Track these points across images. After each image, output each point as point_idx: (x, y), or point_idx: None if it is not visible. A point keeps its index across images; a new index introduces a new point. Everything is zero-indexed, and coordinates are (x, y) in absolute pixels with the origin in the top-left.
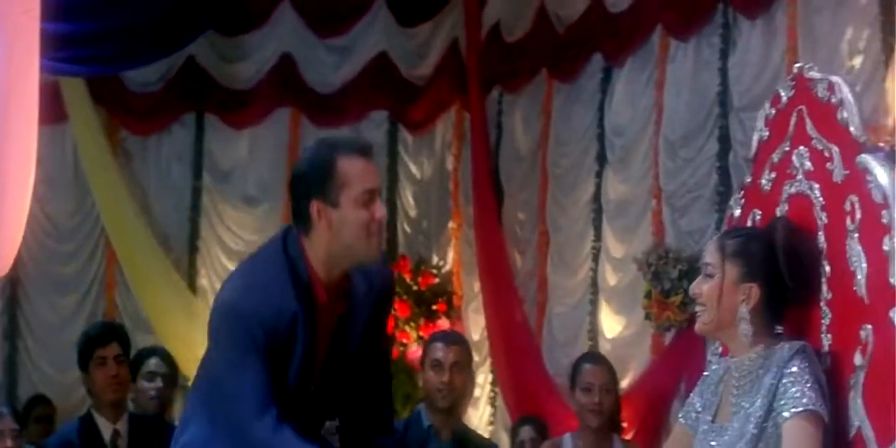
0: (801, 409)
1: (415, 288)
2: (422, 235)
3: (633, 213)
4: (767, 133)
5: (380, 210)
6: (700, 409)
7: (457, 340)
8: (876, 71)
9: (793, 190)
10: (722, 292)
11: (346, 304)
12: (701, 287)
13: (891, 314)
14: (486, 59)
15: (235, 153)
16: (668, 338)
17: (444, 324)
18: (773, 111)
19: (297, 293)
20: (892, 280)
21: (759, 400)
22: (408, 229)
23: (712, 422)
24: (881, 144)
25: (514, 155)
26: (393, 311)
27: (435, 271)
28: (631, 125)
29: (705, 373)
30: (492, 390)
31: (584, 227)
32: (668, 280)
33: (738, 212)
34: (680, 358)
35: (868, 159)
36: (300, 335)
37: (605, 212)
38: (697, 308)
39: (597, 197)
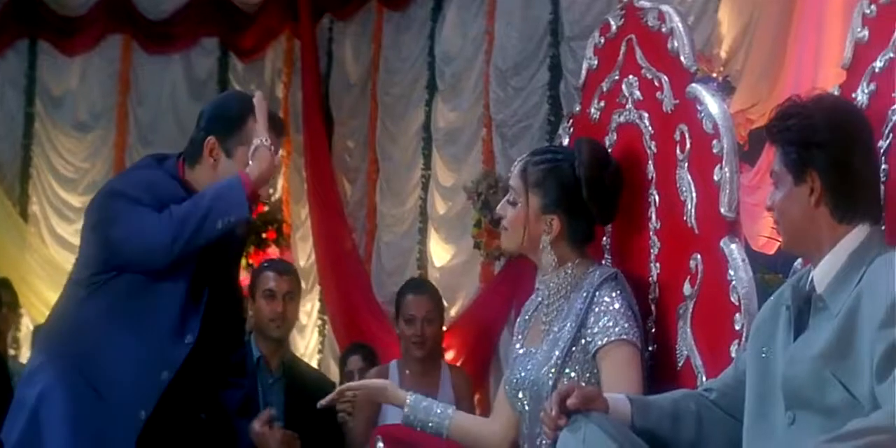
0: (614, 338)
1: None
2: None
3: (463, 142)
4: (596, 62)
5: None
6: (520, 329)
7: (288, 270)
8: (708, 2)
9: (622, 119)
10: (527, 221)
11: None
12: (506, 211)
13: (721, 244)
14: None
15: (68, 80)
16: (498, 266)
17: (273, 252)
18: (603, 40)
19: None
20: (722, 210)
21: (568, 324)
22: None
23: (521, 348)
24: (714, 75)
25: (345, 83)
26: None
27: (264, 200)
28: (461, 54)
29: (529, 301)
30: (320, 318)
31: (414, 156)
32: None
33: (566, 141)
34: (509, 287)
35: (698, 89)
36: None
37: (435, 140)
38: (502, 229)
39: (427, 126)
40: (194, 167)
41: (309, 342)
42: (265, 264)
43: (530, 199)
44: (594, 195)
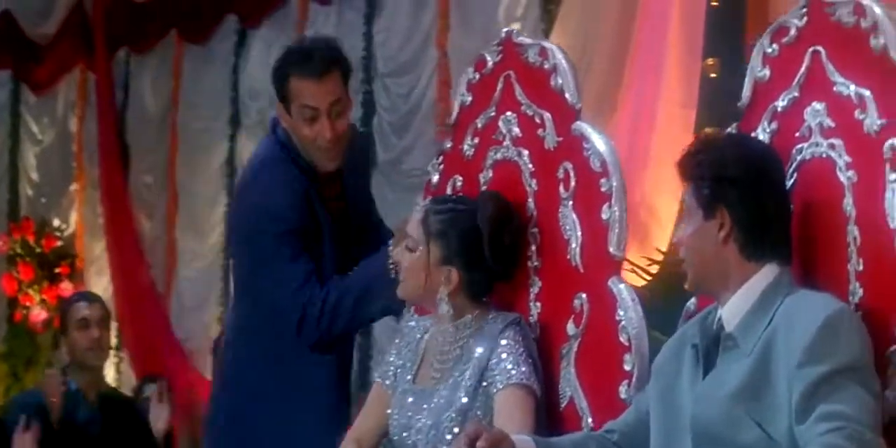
0: (513, 381)
1: (38, 250)
2: (44, 197)
3: None
4: (470, 98)
5: (325, 129)
6: (399, 367)
7: (98, 298)
8: (536, 32)
9: (499, 156)
10: (427, 270)
11: (340, 172)
12: (403, 258)
13: (609, 283)
14: (113, 19)
15: None
16: None
17: (66, 286)
18: (477, 76)
19: (300, 170)
20: (611, 249)
21: (470, 370)
22: (30, 191)
23: (413, 382)
24: None
25: (143, 117)
26: (16, 275)
27: (58, 234)
28: (268, 89)
29: (404, 329)
30: (116, 355)
31: (217, 192)
32: None
33: (436, 178)
34: None
35: (584, 126)
36: (318, 207)
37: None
38: (400, 276)
39: (230, 161)
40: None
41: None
42: (73, 297)
43: (431, 249)
44: (495, 252)
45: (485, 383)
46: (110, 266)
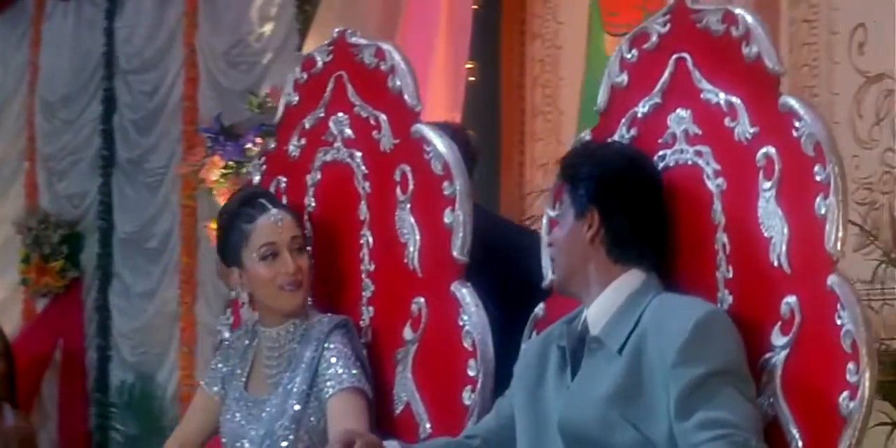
0: (346, 385)
1: None
2: None
3: (4, 175)
4: (297, 98)
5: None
6: (227, 375)
7: None
8: (289, 39)
9: (328, 158)
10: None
11: None
12: (304, 263)
13: (451, 288)
14: None
15: None
16: (43, 304)
17: None
18: (305, 76)
19: None
20: (454, 253)
21: (300, 376)
22: None
23: (245, 389)
24: None
25: None
26: None
27: None
28: (2, 85)
29: (225, 336)
30: None
31: None
32: (48, 245)
33: (257, 178)
34: (55, 324)
35: (424, 129)
36: None
37: None
38: (298, 288)
39: None
40: None
41: None
42: None
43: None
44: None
45: (316, 389)
46: None
